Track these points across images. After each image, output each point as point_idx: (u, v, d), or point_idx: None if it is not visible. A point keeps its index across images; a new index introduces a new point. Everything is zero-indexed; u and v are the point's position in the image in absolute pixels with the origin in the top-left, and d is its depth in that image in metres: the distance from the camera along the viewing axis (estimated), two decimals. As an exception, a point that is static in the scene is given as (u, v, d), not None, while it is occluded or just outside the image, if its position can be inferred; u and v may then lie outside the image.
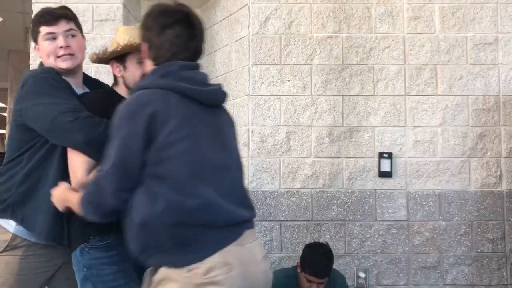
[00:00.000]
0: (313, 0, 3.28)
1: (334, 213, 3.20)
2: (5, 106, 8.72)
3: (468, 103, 3.23)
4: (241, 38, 3.38)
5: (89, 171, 1.74)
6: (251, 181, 3.21)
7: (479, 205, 3.19)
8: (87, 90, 2.02)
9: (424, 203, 3.19)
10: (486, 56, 3.25)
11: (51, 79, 1.82)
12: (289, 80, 3.25)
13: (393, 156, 3.20)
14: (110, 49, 1.93)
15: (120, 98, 1.84)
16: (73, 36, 1.93)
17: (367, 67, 3.25)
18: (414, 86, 3.24)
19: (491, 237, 3.18)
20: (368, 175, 3.21)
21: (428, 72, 3.24)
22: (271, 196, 3.21)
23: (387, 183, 3.21)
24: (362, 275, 3.15)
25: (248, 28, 3.30)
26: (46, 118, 1.75)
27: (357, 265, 3.18)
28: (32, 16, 2.08)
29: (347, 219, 3.20)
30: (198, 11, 3.99)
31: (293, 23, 3.28)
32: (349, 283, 3.05)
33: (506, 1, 3.27)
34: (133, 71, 1.92)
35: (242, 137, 3.31)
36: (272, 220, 3.20)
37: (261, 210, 3.19)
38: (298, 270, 2.71)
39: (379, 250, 3.18)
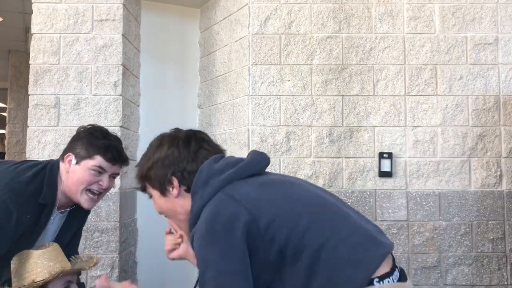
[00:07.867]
0: (313, 0, 3.28)
1: (334, 213, 3.19)
2: (5, 106, 8.69)
3: (468, 103, 3.23)
4: (241, 38, 3.38)
5: None
6: (251, 181, 3.20)
7: (479, 205, 3.18)
8: None
9: (424, 203, 3.19)
10: (486, 56, 3.25)
11: None
12: (289, 80, 3.25)
13: (393, 156, 3.20)
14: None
15: None
16: None
17: (367, 67, 3.25)
18: (414, 86, 3.24)
19: (491, 237, 3.18)
20: (368, 175, 3.21)
21: (428, 72, 3.24)
22: (271, 196, 3.20)
23: (387, 183, 3.20)
24: (362, 275, 3.14)
25: (248, 28, 3.30)
26: None
27: (357, 265, 3.18)
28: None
29: (347, 219, 3.19)
30: (198, 11, 3.99)
31: (293, 23, 3.27)
32: (349, 283, 3.04)
33: (506, 1, 3.27)
34: None
35: (242, 137, 3.31)
36: (272, 220, 3.19)
37: (261, 210, 3.19)
38: None
39: (379, 250, 3.18)
